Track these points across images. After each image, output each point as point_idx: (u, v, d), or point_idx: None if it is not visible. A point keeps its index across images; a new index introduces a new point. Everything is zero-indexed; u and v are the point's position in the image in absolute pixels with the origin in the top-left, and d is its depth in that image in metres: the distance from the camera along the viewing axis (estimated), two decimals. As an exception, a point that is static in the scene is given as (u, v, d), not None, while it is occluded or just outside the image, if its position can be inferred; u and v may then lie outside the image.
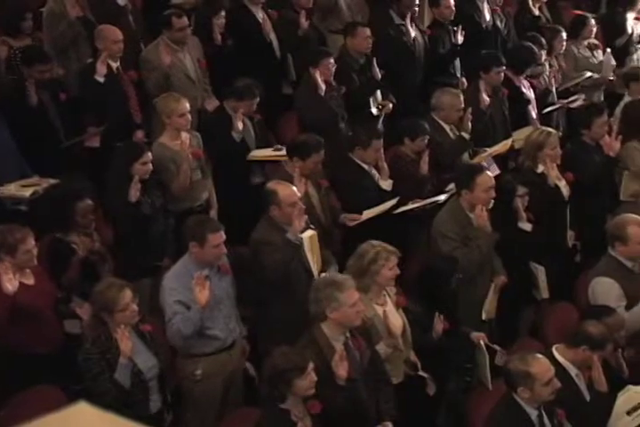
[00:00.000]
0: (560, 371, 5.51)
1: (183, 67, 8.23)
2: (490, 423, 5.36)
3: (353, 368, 5.34)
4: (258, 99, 7.75)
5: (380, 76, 8.74)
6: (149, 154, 6.78)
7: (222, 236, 5.88)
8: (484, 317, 6.67)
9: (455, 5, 9.53)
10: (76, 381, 5.54)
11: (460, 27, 9.35)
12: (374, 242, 6.01)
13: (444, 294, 6.24)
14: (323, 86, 8.19)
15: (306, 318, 5.50)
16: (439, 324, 6.10)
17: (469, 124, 8.05)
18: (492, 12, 9.95)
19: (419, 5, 9.55)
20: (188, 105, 7.21)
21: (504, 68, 8.63)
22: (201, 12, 8.75)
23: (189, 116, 7.23)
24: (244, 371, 6.19)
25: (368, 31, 8.73)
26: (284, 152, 7.27)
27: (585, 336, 5.66)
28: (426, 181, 7.57)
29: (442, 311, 6.14)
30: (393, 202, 7.16)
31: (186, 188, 7.13)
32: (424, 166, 7.59)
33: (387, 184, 7.35)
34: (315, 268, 6.33)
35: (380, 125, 8.49)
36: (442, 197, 7.26)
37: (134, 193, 6.63)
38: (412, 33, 9.30)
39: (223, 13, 8.60)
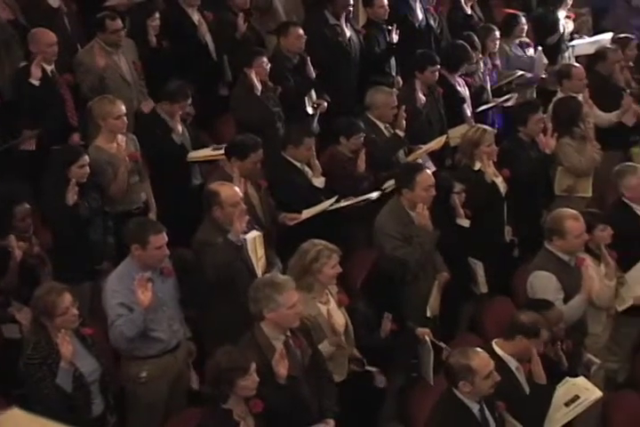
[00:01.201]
0: (500, 364, 5.57)
1: (118, 69, 8.18)
2: (432, 419, 5.41)
3: (294, 367, 5.36)
4: (190, 99, 7.73)
5: (314, 75, 8.78)
6: (86, 157, 6.74)
7: (164, 237, 5.87)
8: (428, 314, 6.72)
9: (389, 5, 9.58)
10: (17, 386, 5.50)
11: (395, 26, 9.41)
12: (315, 241, 6.04)
13: (394, 293, 6.27)
14: (259, 86, 8.19)
15: (249, 319, 5.51)
16: (388, 324, 6.13)
17: (404, 122, 8.10)
18: (426, 11, 10.02)
19: (353, 5, 9.59)
20: (123, 107, 7.17)
21: (439, 67, 8.70)
22: (135, 14, 8.70)
23: (125, 119, 7.19)
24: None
25: (301, 31, 8.76)
26: (222, 151, 7.26)
27: (518, 326, 5.74)
28: (363, 179, 7.61)
29: (388, 310, 6.18)
30: (332, 201, 7.19)
31: (124, 190, 7.09)
32: (361, 164, 7.64)
33: (319, 182, 7.39)
34: (258, 268, 6.33)
35: (315, 124, 8.53)
36: (374, 195, 7.31)
37: (71, 196, 6.59)
38: (347, 33, 9.34)
39: (157, 15, 8.55)
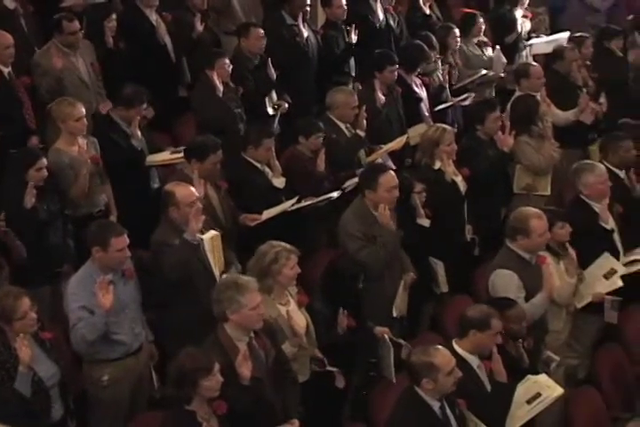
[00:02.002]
0: (461, 363, 5.59)
1: (76, 71, 8.14)
2: (393, 417, 5.42)
3: (257, 368, 5.36)
4: (146, 104, 7.70)
5: (274, 76, 8.78)
6: (44, 160, 6.72)
7: (126, 240, 5.87)
8: (395, 314, 6.74)
9: (347, 5, 9.60)
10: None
11: (354, 26, 9.43)
12: (274, 242, 6.04)
13: (350, 292, 6.28)
14: (220, 87, 8.19)
15: (209, 319, 5.50)
16: (343, 319, 6.13)
17: (364, 122, 8.12)
18: (385, 11, 10.05)
19: (311, 6, 9.60)
20: (83, 109, 7.15)
21: (397, 66, 8.72)
22: (92, 16, 8.65)
23: (85, 121, 7.17)
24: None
25: (261, 32, 8.76)
26: (181, 154, 7.25)
27: (467, 321, 5.77)
28: (323, 179, 7.61)
29: (346, 308, 6.18)
30: (293, 201, 7.20)
31: (84, 193, 7.06)
32: (320, 164, 7.64)
33: (279, 182, 7.39)
34: (216, 268, 6.33)
35: (275, 125, 8.53)
36: (334, 194, 7.32)
37: (29, 199, 6.57)
38: (305, 33, 9.34)
39: (114, 16, 8.50)
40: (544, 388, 5.86)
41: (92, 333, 5.70)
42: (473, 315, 5.76)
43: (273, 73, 8.77)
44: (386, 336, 6.34)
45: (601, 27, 10.74)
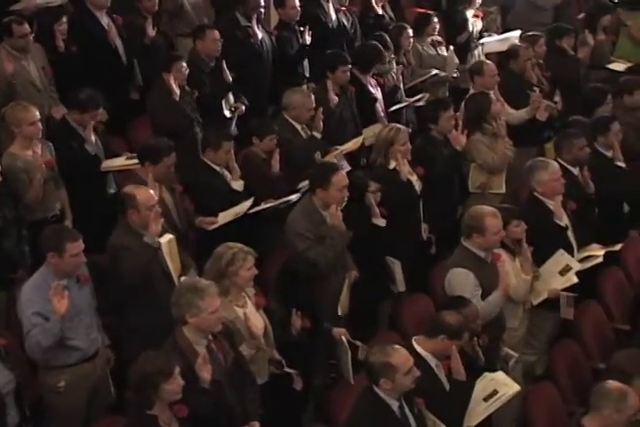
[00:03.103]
0: (420, 362, 5.62)
1: (27, 75, 8.07)
2: (352, 417, 5.43)
3: (217, 371, 5.35)
4: (101, 109, 7.67)
5: (230, 78, 8.76)
6: (-2, 165, 6.67)
7: (81, 245, 5.83)
8: (339, 312, 6.75)
9: (301, 6, 9.61)
10: None
11: (307, 27, 9.44)
12: (230, 244, 6.02)
13: (302, 292, 6.29)
14: (176, 91, 8.17)
15: (168, 322, 5.48)
16: (297, 320, 6.14)
17: (321, 123, 8.14)
18: (338, 11, 10.07)
19: (264, 7, 9.60)
20: (37, 113, 7.11)
21: (350, 66, 8.74)
22: (42, 19, 8.58)
23: (40, 125, 7.13)
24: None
25: (217, 34, 8.73)
26: (137, 159, 7.23)
27: (443, 326, 5.78)
28: (278, 181, 7.62)
29: (300, 309, 6.19)
30: (249, 203, 7.19)
31: (40, 198, 7.01)
32: (275, 165, 7.64)
33: (238, 185, 7.38)
34: (174, 272, 6.31)
35: (233, 127, 8.51)
36: (294, 197, 7.32)
37: (-17, 205, 6.53)
38: (259, 34, 9.33)
39: (65, 19, 8.45)
40: (501, 385, 5.90)
41: (47, 339, 5.66)
42: (450, 322, 5.78)
43: (228, 75, 8.76)
44: (343, 338, 6.35)
45: (547, 25, 10.85)
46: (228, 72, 8.75)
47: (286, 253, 6.91)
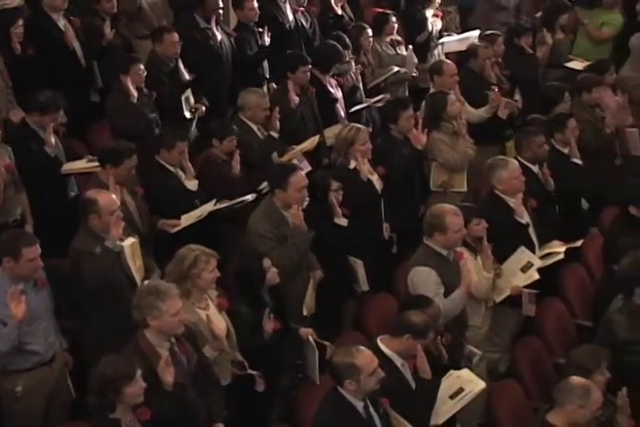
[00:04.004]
0: (385, 362, 5.64)
1: (-17, 78, 8.04)
2: (317, 418, 5.44)
3: (180, 373, 5.34)
4: (62, 111, 7.61)
5: (187, 76, 8.74)
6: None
7: (37, 249, 5.79)
8: (305, 312, 6.75)
9: (259, 7, 9.60)
10: None
11: (266, 28, 9.44)
12: (192, 246, 6.01)
13: (261, 292, 6.27)
14: (135, 93, 8.13)
15: (131, 326, 5.46)
16: (269, 323, 6.13)
17: (277, 123, 8.13)
18: (296, 12, 10.07)
19: (223, 8, 9.57)
20: (-5, 117, 7.07)
21: (310, 66, 8.74)
22: (-3, 22, 8.53)
23: (-3, 129, 7.10)
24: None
25: (176, 36, 8.71)
26: (98, 162, 7.19)
27: (408, 325, 5.79)
28: (239, 182, 7.60)
29: (269, 309, 6.18)
30: (211, 204, 7.18)
31: (0, 203, 6.94)
32: (235, 166, 7.63)
33: (192, 184, 7.36)
34: (137, 275, 6.29)
35: (193, 129, 8.48)
36: (249, 197, 7.32)
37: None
38: (219, 36, 9.30)
39: (21, 22, 8.36)
40: (466, 383, 5.92)
41: (5, 344, 5.62)
42: (416, 321, 5.79)
43: (186, 74, 8.73)
44: (310, 338, 6.35)
45: (509, 24, 10.91)
46: (185, 71, 8.72)
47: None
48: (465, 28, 11.16)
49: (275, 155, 8.03)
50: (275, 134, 8.13)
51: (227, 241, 7.27)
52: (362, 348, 5.40)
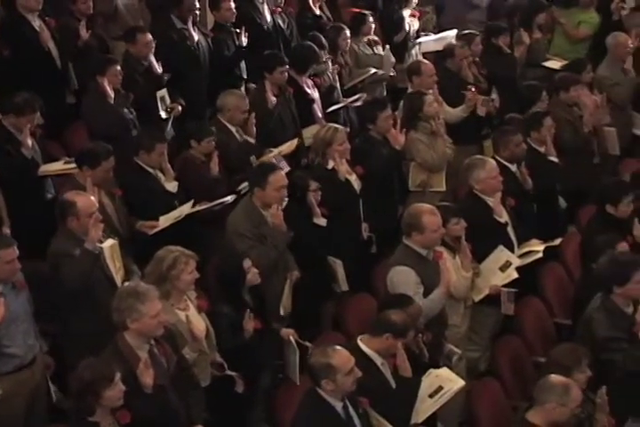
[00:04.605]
0: (365, 361, 5.66)
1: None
2: (296, 419, 5.43)
3: (160, 375, 5.32)
4: (38, 113, 7.58)
5: (160, 70, 8.72)
6: None
7: (14, 252, 5.77)
8: (281, 312, 6.74)
9: (236, 7, 9.59)
10: None
11: (243, 29, 9.43)
12: (171, 247, 6.00)
13: (242, 291, 6.26)
14: (111, 94, 8.11)
15: (111, 329, 5.44)
16: (249, 322, 6.12)
17: (254, 128, 8.14)
18: (274, 12, 10.07)
19: (199, 9, 9.56)
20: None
21: (287, 67, 8.74)
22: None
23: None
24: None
25: (149, 37, 8.69)
26: (75, 164, 7.16)
27: (388, 324, 5.80)
28: (217, 183, 7.59)
29: (249, 309, 6.17)
30: (189, 206, 7.16)
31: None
32: (214, 168, 7.62)
33: (172, 186, 7.36)
34: (117, 277, 6.27)
35: (169, 129, 8.46)
36: (229, 198, 7.30)
37: None
38: (195, 37, 9.29)
39: (-4, 24, 8.38)
40: (446, 381, 5.93)
41: (-16, 347, 5.62)
42: (395, 320, 5.79)
43: (159, 70, 8.71)
44: (291, 338, 6.34)
45: (482, 23, 10.94)
46: (158, 69, 8.70)
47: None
48: (442, 28, 11.16)
49: (253, 158, 8.01)
50: (251, 139, 8.13)
51: (206, 242, 7.25)
52: (338, 348, 5.40)
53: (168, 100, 8.62)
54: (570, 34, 11.08)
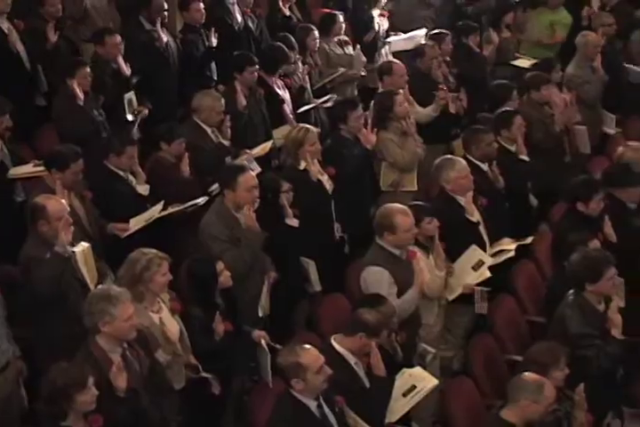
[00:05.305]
0: (339, 360, 5.67)
1: None
2: (271, 420, 5.42)
3: (133, 379, 5.30)
4: (8, 115, 7.53)
5: (128, 72, 8.70)
6: None
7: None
8: (260, 314, 6.73)
9: (205, 8, 9.57)
10: None
11: (213, 29, 9.41)
12: (144, 249, 5.98)
13: (214, 294, 6.24)
14: (81, 96, 8.09)
15: (83, 333, 5.42)
16: (219, 325, 6.10)
17: (229, 131, 8.12)
18: (243, 13, 10.06)
19: (168, 10, 9.54)
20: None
21: (257, 67, 8.73)
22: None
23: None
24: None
25: (118, 38, 8.68)
26: (44, 167, 7.12)
27: (361, 324, 5.80)
28: (188, 185, 7.57)
29: (220, 311, 6.16)
30: (159, 207, 7.14)
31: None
32: (185, 169, 7.60)
33: (143, 189, 7.33)
34: (90, 281, 6.24)
35: (135, 131, 8.43)
36: (200, 200, 7.28)
37: None
38: (164, 38, 9.28)
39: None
40: (419, 380, 5.96)
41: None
42: (369, 320, 5.80)
43: (127, 72, 8.68)
44: (263, 340, 6.33)
45: (433, 21, 10.95)
46: (126, 70, 8.67)
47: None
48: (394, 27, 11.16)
49: (229, 159, 7.98)
50: (226, 142, 8.11)
51: (178, 244, 7.23)
52: (306, 346, 5.40)
53: (135, 103, 8.59)
54: (545, 41, 11.10)
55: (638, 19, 11.48)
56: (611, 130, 9.96)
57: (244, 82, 8.68)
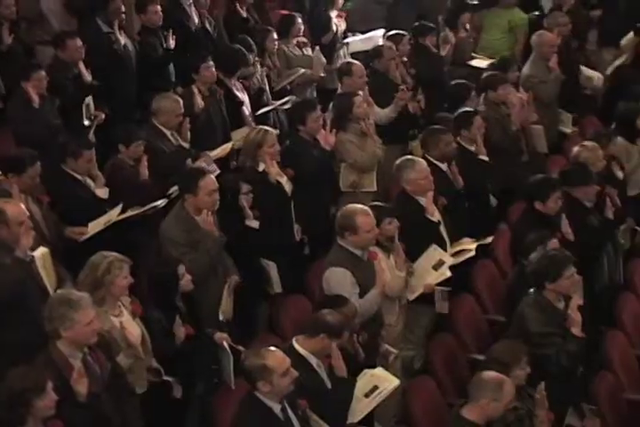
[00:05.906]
0: (301, 362, 5.65)
1: None
2: (235, 422, 5.41)
3: (94, 383, 5.26)
4: None
5: (90, 78, 8.64)
6: None
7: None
8: (221, 317, 6.71)
9: (163, 10, 9.54)
10: None
11: (171, 31, 9.38)
12: (105, 253, 5.95)
13: (175, 297, 6.23)
14: (36, 99, 8.03)
15: (43, 338, 5.37)
16: (179, 328, 6.08)
17: (188, 133, 8.10)
18: (200, 15, 10.03)
19: (125, 12, 9.49)
20: None
21: (212, 63, 8.69)
22: None
23: None
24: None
25: (79, 42, 8.62)
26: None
27: (323, 325, 5.80)
28: (147, 187, 7.54)
29: (180, 314, 6.14)
30: (117, 210, 7.10)
31: None
32: (143, 172, 7.57)
33: (102, 192, 7.30)
34: (49, 285, 6.19)
35: (91, 135, 8.37)
36: (159, 202, 7.26)
37: None
38: (122, 40, 9.24)
39: None
40: (381, 381, 5.96)
41: None
42: (330, 321, 5.79)
43: (88, 77, 8.63)
44: (225, 343, 6.32)
45: (384, 20, 10.98)
46: (87, 76, 8.62)
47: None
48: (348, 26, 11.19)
49: (189, 162, 7.96)
50: (186, 144, 8.08)
51: (138, 246, 7.20)
52: (273, 349, 5.39)
53: (92, 108, 8.54)
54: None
55: (593, 19, 11.60)
56: (567, 129, 10.04)
57: (203, 80, 8.65)
